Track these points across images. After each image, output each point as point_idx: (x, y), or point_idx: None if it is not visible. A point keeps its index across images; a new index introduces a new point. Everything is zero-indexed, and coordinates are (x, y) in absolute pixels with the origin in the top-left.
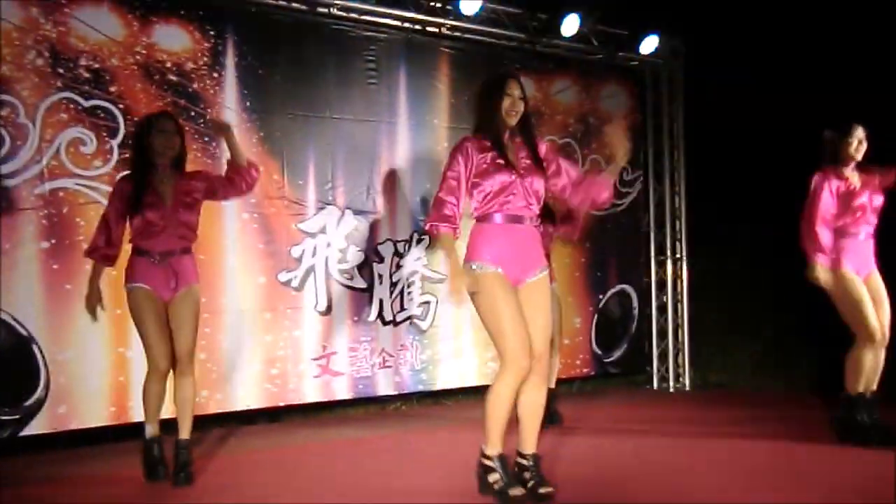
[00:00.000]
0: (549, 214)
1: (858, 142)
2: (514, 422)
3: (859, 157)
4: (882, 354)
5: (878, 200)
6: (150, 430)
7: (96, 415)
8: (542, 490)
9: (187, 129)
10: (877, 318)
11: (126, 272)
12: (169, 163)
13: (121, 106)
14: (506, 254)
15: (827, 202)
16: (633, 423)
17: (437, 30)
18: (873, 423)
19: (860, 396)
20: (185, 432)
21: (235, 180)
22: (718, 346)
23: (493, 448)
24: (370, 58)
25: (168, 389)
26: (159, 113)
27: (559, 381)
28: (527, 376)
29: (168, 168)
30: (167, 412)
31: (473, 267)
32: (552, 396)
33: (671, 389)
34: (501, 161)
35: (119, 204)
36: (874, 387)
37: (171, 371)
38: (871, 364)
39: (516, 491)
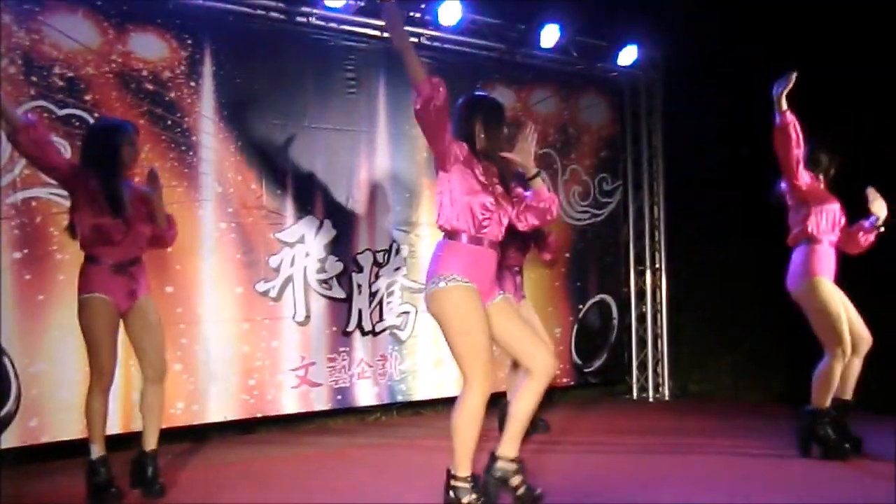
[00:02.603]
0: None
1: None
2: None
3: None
4: (859, 361)
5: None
6: (98, 451)
7: (69, 428)
8: (538, 491)
9: (163, 138)
10: (850, 328)
11: (81, 281)
12: (126, 173)
13: (96, 115)
14: (477, 274)
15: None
16: (612, 433)
17: (416, 40)
18: (841, 436)
19: (829, 410)
20: (152, 443)
21: (158, 240)
22: (697, 356)
23: (466, 469)
24: (349, 67)
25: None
26: (129, 124)
27: None
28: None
29: (125, 178)
30: (133, 425)
31: (448, 279)
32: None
33: (651, 399)
34: (488, 183)
35: (74, 173)
36: (848, 396)
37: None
38: (848, 372)
39: None
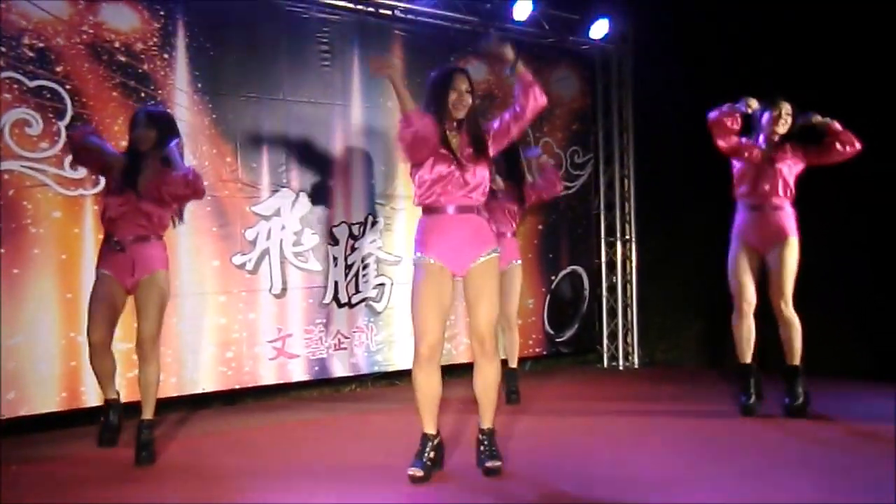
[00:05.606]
0: (518, 193)
1: (778, 116)
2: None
3: (781, 131)
4: (784, 327)
5: (794, 171)
6: (105, 395)
7: (47, 400)
8: (488, 464)
9: None
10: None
11: (97, 256)
12: (151, 155)
13: (68, 87)
14: (445, 245)
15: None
16: (583, 400)
17: (390, 12)
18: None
19: (745, 366)
20: (147, 413)
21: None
22: (665, 325)
23: (424, 427)
24: (323, 40)
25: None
26: (142, 109)
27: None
28: (427, 363)
29: (154, 160)
30: (131, 395)
31: (414, 256)
32: (513, 376)
33: (620, 367)
34: (443, 150)
35: (109, 156)
36: (791, 360)
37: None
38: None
39: (415, 471)
